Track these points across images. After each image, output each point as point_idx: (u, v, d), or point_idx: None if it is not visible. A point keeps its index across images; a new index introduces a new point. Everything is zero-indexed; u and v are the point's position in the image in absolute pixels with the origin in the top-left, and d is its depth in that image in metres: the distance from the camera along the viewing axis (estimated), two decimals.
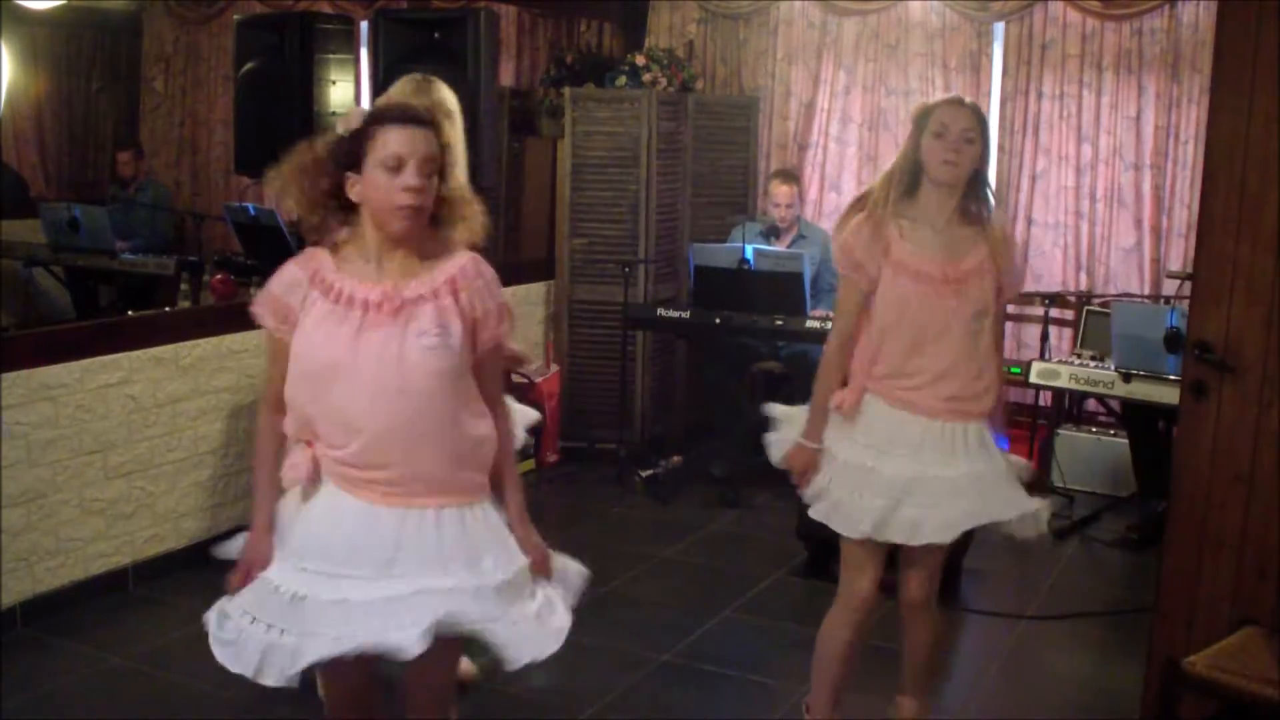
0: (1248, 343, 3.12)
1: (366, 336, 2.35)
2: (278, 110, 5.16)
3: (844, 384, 3.14)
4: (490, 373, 2.49)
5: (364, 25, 6.86)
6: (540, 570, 2.50)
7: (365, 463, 2.37)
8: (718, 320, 5.59)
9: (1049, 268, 6.41)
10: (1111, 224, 6.27)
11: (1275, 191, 3.05)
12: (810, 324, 5.52)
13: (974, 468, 3.02)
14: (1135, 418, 5.39)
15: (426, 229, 2.41)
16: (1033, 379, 5.46)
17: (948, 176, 2.98)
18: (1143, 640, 3.55)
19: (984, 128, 3.03)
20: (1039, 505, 3.07)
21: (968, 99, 3.12)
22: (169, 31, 8.36)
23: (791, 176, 6.17)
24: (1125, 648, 4.14)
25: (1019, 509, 3.04)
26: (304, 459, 2.46)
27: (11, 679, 3.72)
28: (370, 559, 2.35)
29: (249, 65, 5.29)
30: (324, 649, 2.32)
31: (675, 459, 6.03)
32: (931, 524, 3.00)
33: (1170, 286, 5.92)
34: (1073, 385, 5.38)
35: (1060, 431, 5.99)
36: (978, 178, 3.06)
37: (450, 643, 2.39)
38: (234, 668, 2.37)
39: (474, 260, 2.45)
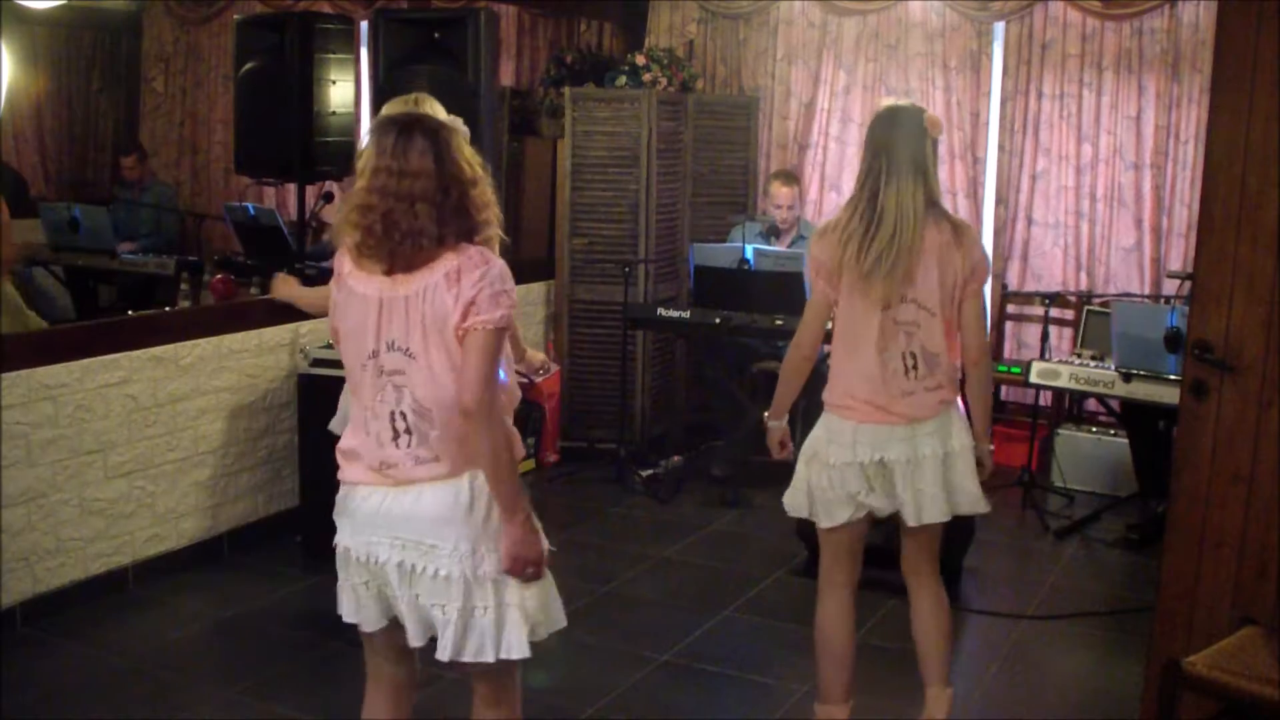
0: (1248, 343, 3.12)
1: None
2: (278, 110, 5.17)
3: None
4: None
5: (364, 25, 6.86)
6: None
7: None
8: (718, 320, 5.59)
9: (1049, 268, 6.41)
10: (1111, 224, 6.26)
11: (1275, 191, 3.05)
12: None
13: None
14: (1135, 417, 5.39)
15: None
16: (1033, 379, 5.46)
17: None
18: (1143, 640, 3.55)
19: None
20: None
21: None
22: (169, 31, 8.36)
23: (792, 178, 6.16)
24: (1125, 648, 4.15)
25: None
26: None
27: (11, 679, 3.72)
28: None
29: (249, 65, 5.28)
30: None
31: (675, 459, 6.03)
32: None
33: (1170, 286, 5.92)
34: (1073, 385, 5.37)
35: (1060, 431, 5.99)
36: None
37: None
38: None
39: None
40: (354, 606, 2.58)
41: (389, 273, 2.47)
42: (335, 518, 2.59)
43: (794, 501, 3.30)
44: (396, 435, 2.48)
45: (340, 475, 2.59)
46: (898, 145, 3.08)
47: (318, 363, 4.73)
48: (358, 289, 2.50)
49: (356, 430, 2.55)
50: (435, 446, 2.47)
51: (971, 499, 3.22)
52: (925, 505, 3.17)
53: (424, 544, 2.46)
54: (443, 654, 2.47)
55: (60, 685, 3.75)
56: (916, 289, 3.09)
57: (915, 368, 3.12)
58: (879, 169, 3.09)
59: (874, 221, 3.06)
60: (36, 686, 3.72)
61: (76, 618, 4.18)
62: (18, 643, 3.98)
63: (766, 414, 3.39)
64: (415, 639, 2.52)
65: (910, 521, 3.19)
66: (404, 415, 2.47)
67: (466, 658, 2.48)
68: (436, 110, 3.65)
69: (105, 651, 3.97)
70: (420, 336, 2.45)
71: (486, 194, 2.51)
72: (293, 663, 3.96)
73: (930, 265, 3.09)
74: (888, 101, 3.26)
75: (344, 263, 2.55)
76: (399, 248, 2.44)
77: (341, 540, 2.57)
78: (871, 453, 3.14)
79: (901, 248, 3.04)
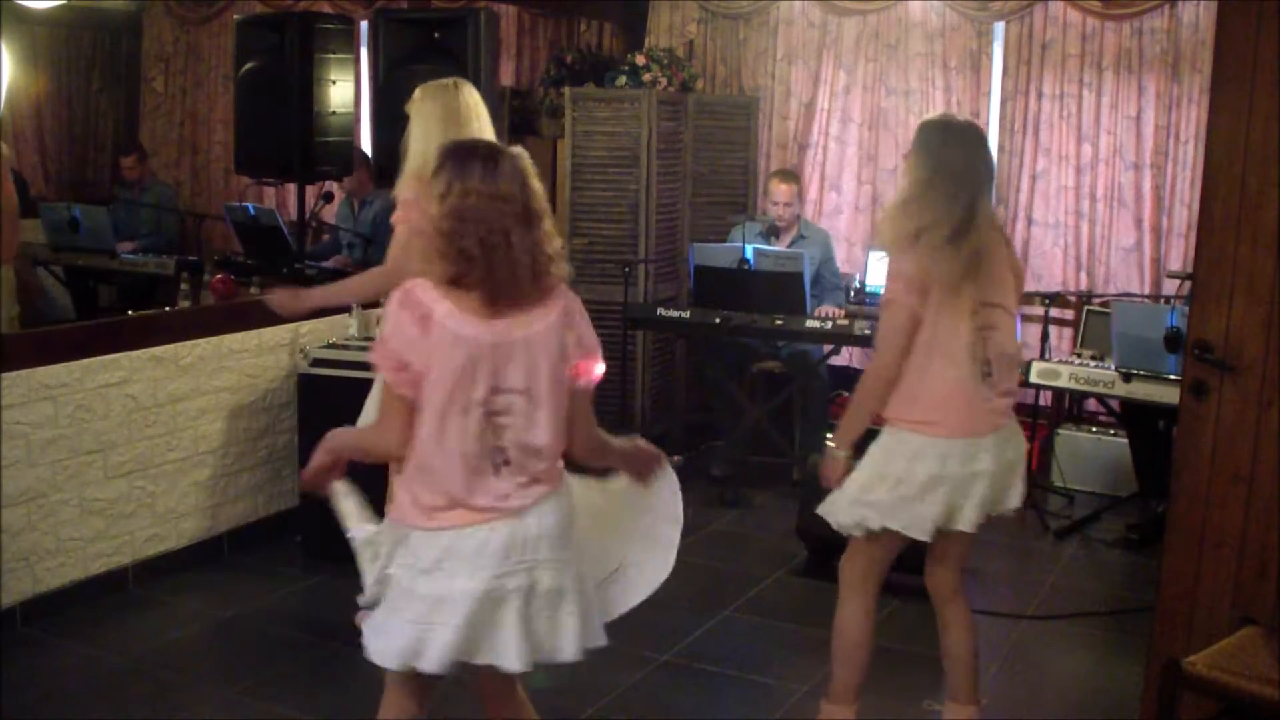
0: (1248, 343, 3.12)
1: None
2: (278, 110, 5.17)
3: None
4: None
5: (364, 25, 6.87)
6: None
7: None
8: (718, 320, 5.59)
9: (1049, 268, 6.41)
10: (1111, 224, 6.27)
11: (1275, 191, 3.05)
12: (810, 324, 5.52)
13: None
14: (1135, 417, 5.39)
15: None
16: (1033, 379, 5.46)
17: None
18: (1143, 640, 3.55)
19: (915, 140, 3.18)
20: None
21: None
22: (169, 31, 8.37)
23: (791, 176, 6.17)
24: (1125, 648, 4.15)
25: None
26: None
27: (11, 679, 3.72)
28: None
29: (249, 65, 5.29)
30: None
31: (675, 459, 5.99)
32: None
33: (1170, 286, 5.92)
34: (1073, 385, 5.38)
35: (1060, 431, 5.99)
36: None
37: None
38: None
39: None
40: (456, 648, 2.41)
41: (495, 306, 2.37)
42: (434, 565, 2.41)
43: (845, 515, 3.18)
44: (497, 469, 2.43)
45: (433, 524, 2.43)
46: (967, 158, 3.08)
47: (318, 363, 4.73)
48: (463, 332, 2.36)
49: (453, 475, 2.41)
50: (536, 474, 2.47)
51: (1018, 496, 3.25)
52: (989, 506, 3.18)
53: (550, 559, 2.46)
54: (554, 656, 2.49)
55: (60, 685, 3.75)
56: (999, 292, 3.14)
57: (990, 374, 3.12)
58: (955, 182, 3.05)
59: (958, 232, 3.03)
60: (36, 686, 3.72)
61: (76, 618, 4.18)
62: (18, 643, 3.98)
63: (831, 440, 3.24)
64: (520, 661, 2.44)
65: (966, 527, 3.15)
66: (502, 450, 2.43)
67: (559, 657, 2.50)
68: (474, 95, 3.68)
69: (105, 651, 3.97)
70: (545, 379, 2.44)
71: (553, 227, 2.47)
72: (293, 663, 3.96)
73: (1005, 271, 3.16)
74: (937, 115, 3.31)
75: (432, 304, 2.37)
76: (504, 279, 2.36)
77: (454, 585, 2.39)
78: (962, 467, 3.10)
79: (983, 255, 3.06)
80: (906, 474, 3.11)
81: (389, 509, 2.58)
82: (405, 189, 3.52)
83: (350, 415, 4.09)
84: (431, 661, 2.41)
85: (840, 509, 3.21)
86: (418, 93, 3.66)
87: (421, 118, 3.59)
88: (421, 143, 3.52)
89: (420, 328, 2.37)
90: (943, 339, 3.08)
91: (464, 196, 2.35)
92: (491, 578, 2.40)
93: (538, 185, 2.44)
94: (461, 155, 2.40)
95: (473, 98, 3.66)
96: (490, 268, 2.35)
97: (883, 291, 3.17)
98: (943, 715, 3.41)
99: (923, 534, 3.13)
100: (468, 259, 2.35)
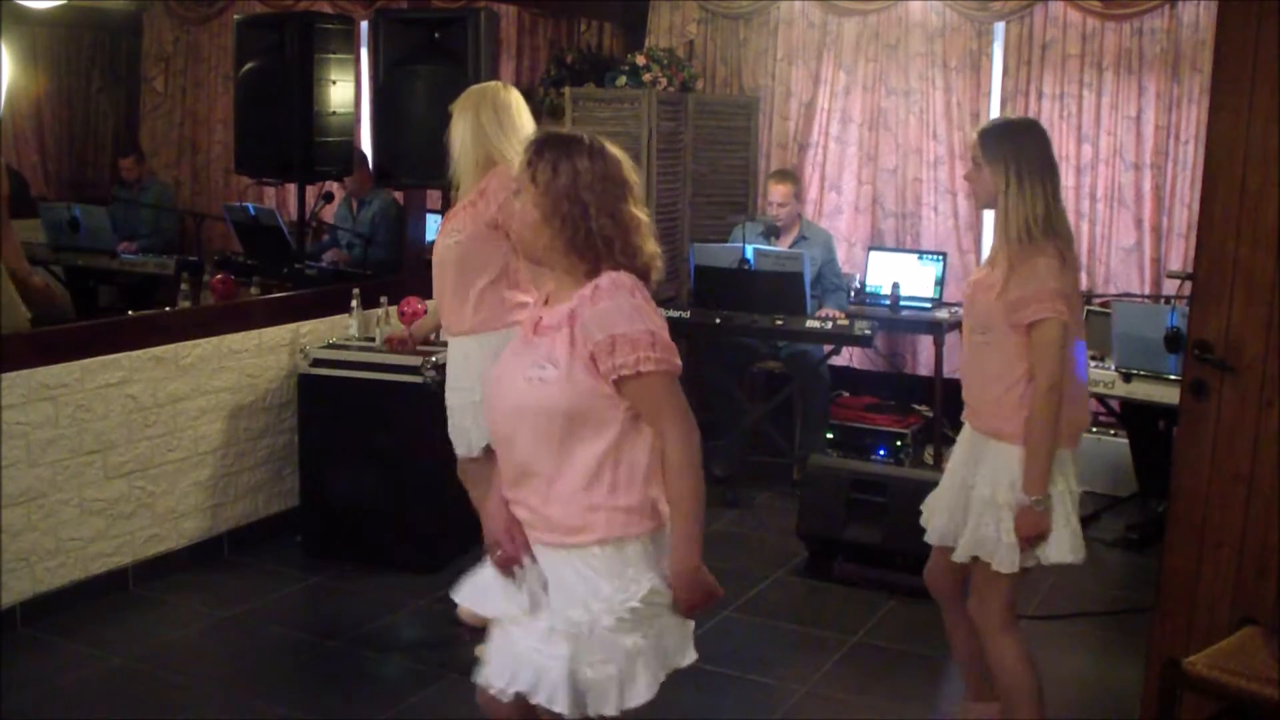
0: (1248, 343, 3.12)
1: (506, 361, 2.29)
2: (278, 110, 5.17)
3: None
4: (641, 405, 2.27)
5: (364, 25, 6.86)
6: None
7: (508, 493, 2.34)
8: (718, 320, 5.59)
9: None
10: (1111, 224, 6.26)
11: (1275, 191, 3.05)
12: (810, 324, 5.52)
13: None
14: (1135, 417, 5.39)
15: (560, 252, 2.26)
16: None
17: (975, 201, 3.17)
18: (1143, 640, 3.55)
19: (984, 149, 3.05)
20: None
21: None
22: (169, 31, 8.37)
23: (787, 176, 6.16)
24: (1125, 648, 4.15)
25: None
26: None
27: (11, 679, 3.72)
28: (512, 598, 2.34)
29: (249, 65, 5.29)
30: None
31: None
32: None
33: (1170, 286, 5.92)
34: None
35: None
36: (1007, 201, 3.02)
37: None
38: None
39: (596, 287, 2.23)
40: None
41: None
42: (656, 564, 2.32)
43: (1079, 550, 3.09)
44: None
45: (660, 519, 2.31)
46: (1053, 161, 3.07)
47: (318, 363, 4.73)
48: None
49: None
50: None
51: None
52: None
53: None
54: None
55: (60, 685, 3.75)
56: None
57: None
58: (1054, 187, 3.04)
59: (1068, 238, 3.02)
60: (36, 686, 3.72)
61: (76, 618, 4.18)
62: (18, 643, 3.98)
63: (1030, 493, 2.94)
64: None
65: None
66: None
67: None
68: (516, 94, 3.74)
69: (105, 651, 3.96)
70: None
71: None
72: (293, 663, 3.96)
73: None
74: (993, 120, 3.27)
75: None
76: (645, 262, 2.34)
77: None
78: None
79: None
80: (1075, 493, 3.06)
81: (593, 532, 2.27)
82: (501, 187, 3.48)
83: (350, 415, 4.09)
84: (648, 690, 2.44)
85: (1065, 545, 3.04)
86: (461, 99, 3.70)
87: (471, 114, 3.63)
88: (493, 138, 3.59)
89: (661, 318, 2.28)
90: (1076, 348, 3.05)
91: (576, 177, 2.20)
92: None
93: (635, 173, 2.32)
94: (563, 140, 2.27)
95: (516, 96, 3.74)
96: (630, 251, 2.23)
97: (1020, 307, 2.93)
98: (961, 715, 3.41)
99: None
100: (606, 241, 2.22)
